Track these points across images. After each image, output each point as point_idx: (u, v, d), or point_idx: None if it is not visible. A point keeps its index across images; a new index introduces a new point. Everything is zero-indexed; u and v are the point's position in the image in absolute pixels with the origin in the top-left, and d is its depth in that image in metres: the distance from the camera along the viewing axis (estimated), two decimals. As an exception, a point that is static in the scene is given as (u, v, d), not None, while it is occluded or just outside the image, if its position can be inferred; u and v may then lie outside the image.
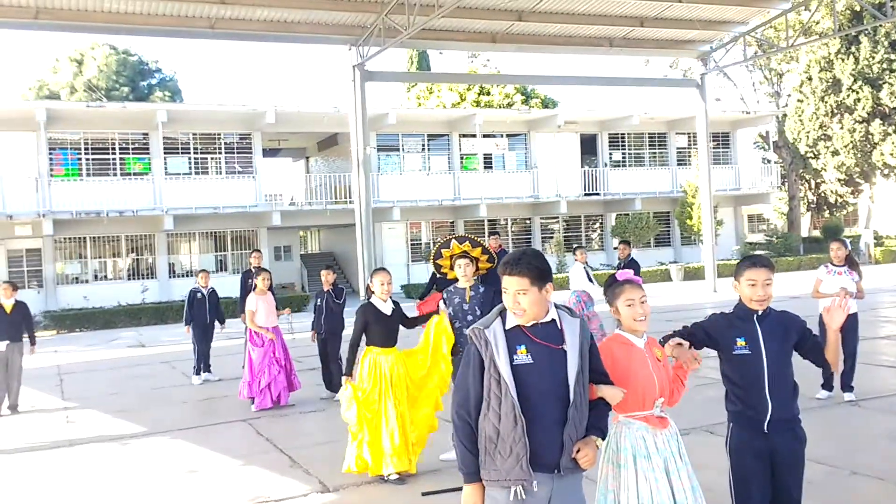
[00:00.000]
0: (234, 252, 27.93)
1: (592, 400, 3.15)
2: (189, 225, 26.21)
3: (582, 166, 31.89)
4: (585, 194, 30.97)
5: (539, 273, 3.02)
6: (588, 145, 32.52)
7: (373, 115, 27.55)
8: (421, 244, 30.39)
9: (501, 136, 31.21)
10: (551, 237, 31.89)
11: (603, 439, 3.21)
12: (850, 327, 7.99)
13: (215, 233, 27.65)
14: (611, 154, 32.69)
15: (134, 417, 9.29)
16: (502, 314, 3.09)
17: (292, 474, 6.46)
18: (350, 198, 27.09)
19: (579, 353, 3.02)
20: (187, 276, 25.65)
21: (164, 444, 7.97)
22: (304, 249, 39.89)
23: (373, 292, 6.24)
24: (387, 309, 6.24)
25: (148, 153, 26.10)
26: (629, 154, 33.20)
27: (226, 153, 27.56)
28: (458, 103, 38.79)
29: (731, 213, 33.92)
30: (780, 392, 3.62)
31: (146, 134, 26.00)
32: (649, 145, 33.47)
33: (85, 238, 25.64)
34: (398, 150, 29.87)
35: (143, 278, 26.02)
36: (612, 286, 3.68)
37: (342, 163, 29.80)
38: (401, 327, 6.41)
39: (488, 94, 40.30)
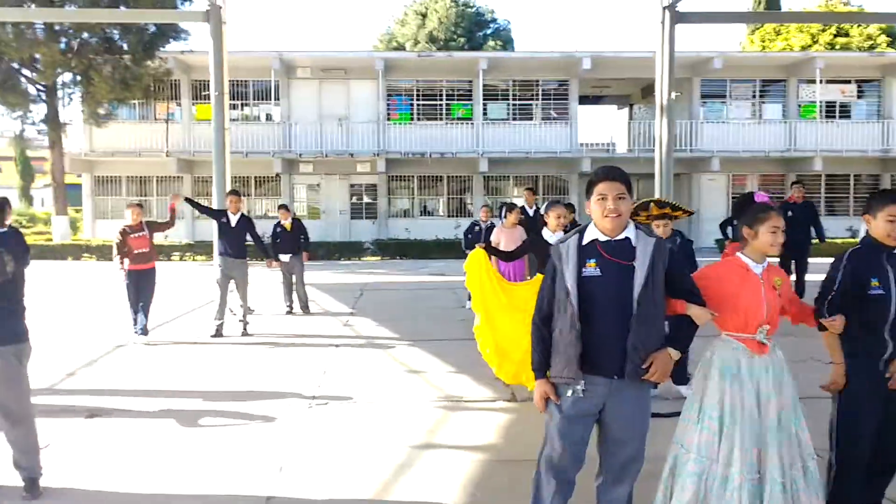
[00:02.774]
0: (545, 196, 28.65)
1: (681, 315, 3.32)
2: (502, 168, 27.44)
3: (951, 117, 27.06)
4: (952, 150, 26.31)
5: (630, 184, 3.27)
6: (962, 92, 27.41)
7: (696, 60, 26.17)
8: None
9: (849, 82, 27.63)
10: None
11: (682, 352, 3.29)
12: None
13: (529, 177, 28.59)
14: None
15: (396, 327, 10.24)
16: (581, 232, 3.29)
17: (491, 385, 6.73)
18: (677, 146, 26.17)
19: (648, 269, 3.14)
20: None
21: (405, 349, 8.75)
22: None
23: (545, 224, 6.27)
24: (552, 239, 6.26)
25: (471, 100, 27.69)
26: None
27: (542, 100, 28.16)
28: (809, 46, 35.07)
29: None
30: None
31: (470, 81, 27.55)
32: None
33: (413, 177, 28.18)
34: (724, 96, 27.97)
35: (458, 216, 27.95)
36: (752, 207, 3.57)
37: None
38: None
39: (847, 35, 35.84)
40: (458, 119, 27.72)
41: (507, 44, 39.77)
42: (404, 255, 24.24)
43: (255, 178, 27.69)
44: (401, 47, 36.92)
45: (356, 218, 27.86)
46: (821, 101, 26.88)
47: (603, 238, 3.21)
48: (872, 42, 34.87)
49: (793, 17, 29.73)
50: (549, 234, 6.35)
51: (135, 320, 8.92)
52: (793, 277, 12.18)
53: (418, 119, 27.70)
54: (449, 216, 28.20)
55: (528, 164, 27.43)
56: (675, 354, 3.25)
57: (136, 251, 8.77)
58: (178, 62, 25.26)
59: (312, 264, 21.68)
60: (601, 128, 34.55)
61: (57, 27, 21.74)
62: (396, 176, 27.99)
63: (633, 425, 3.24)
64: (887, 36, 35.57)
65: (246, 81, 27.04)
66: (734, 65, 26.59)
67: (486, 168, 26.45)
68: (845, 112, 27.73)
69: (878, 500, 3.82)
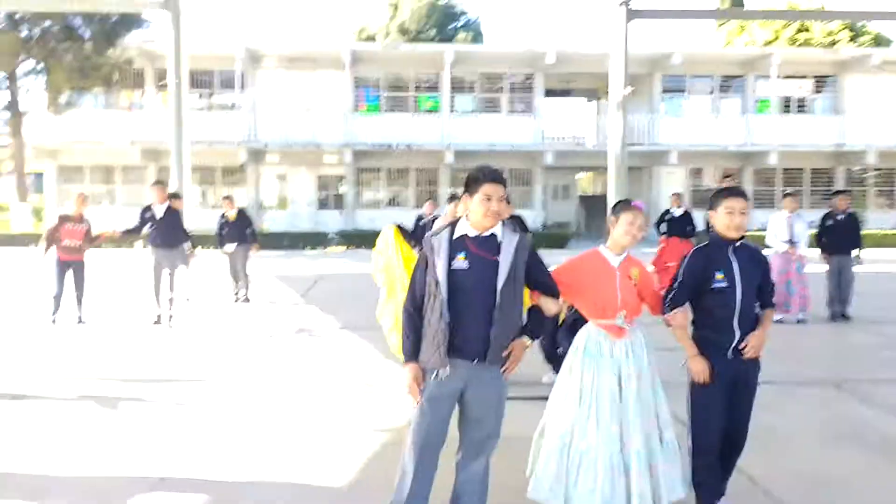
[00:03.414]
0: (511, 188, 28.94)
1: (535, 305, 3.66)
2: (468, 160, 27.65)
3: (905, 112, 27.71)
4: (903, 144, 26.97)
5: (506, 186, 3.56)
6: (916, 88, 28.07)
7: (656, 56, 26.61)
8: (702, 191, 28.85)
9: (806, 77, 28.20)
10: (862, 190, 28.35)
11: (533, 340, 3.63)
12: None
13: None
14: (944, 99, 27.91)
15: (338, 316, 10.53)
16: (452, 225, 3.55)
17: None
18: (637, 140, 26.61)
19: (511, 265, 3.45)
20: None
21: (340, 336, 9.09)
22: (592, 191, 40.03)
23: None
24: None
25: (438, 92, 27.92)
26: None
27: (509, 93, 28.47)
28: (772, 41, 35.68)
29: None
30: (747, 321, 3.82)
31: (437, 73, 27.76)
32: None
33: (380, 168, 28.40)
34: (684, 91, 28.44)
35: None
36: (620, 204, 3.99)
37: (630, 104, 29.10)
38: None
39: (807, 30, 36.48)
40: (426, 111, 27.97)
41: (478, 37, 40.04)
42: (369, 245, 24.43)
43: (222, 168, 27.79)
44: (372, 38, 37.08)
45: (324, 208, 28.05)
46: (778, 97, 27.43)
47: (473, 233, 3.48)
48: (833, 38, 35.54)
49: (746, 15, 30.33)
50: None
51: (55, 308, 9.16)
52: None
53: (386, 110, 27.91)
54: (416, 207, 28.42)
55: (493, 156, 27.68)
56: (528, 343, 3.60)
57: (65, 241, 8.96)
58: (143, 51, 25.29)
59: (276, 254, 21.94)
60: (573, 121, 34.70)
61: (17, 16, 21.71)
62: (364, 167, 28.20)
63: (491, 405, 3.55)
64: (851, 30, 36.25)
65: (211, 71, 27.12)
66: (693, 60, 27.06)
67: (453, 160, 26.74)
68: (802, 107, 28.32)
69: (726, 478, 4.06)
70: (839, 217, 10.24)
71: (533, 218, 27.92)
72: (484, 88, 28.44)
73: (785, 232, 9.94)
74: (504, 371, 3.53)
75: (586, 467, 3.69)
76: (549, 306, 3.66)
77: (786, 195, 10.44)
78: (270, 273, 16.21)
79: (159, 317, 9.69)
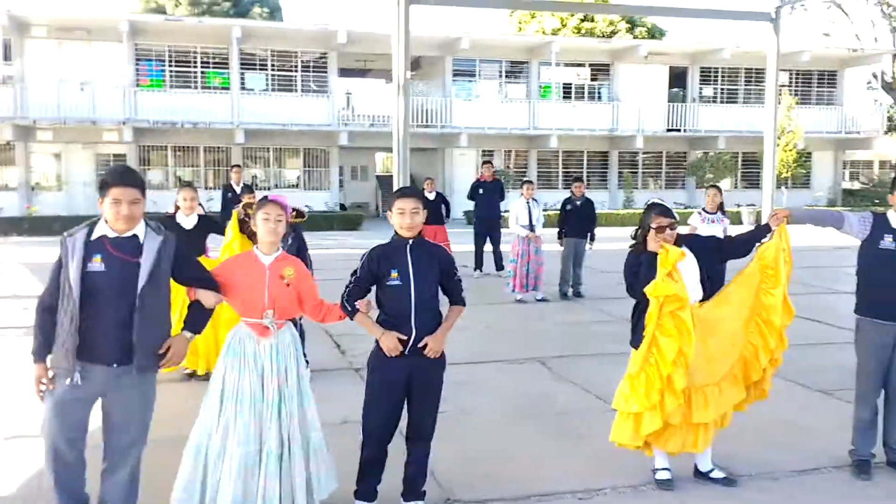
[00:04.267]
0: (307, 169, 28.76)
1: (196, 301, 3.72)
2: (261, 140, 27.15)
3: (670, 101, 30.39)
4: (667, 130, 29.59)
5: (145, 188, 3.51)
6: (679, 79, 30.85)
7: (446, 40, 27.31)
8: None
9: (584, 66, 30.11)
10: (633, 172, 30.81)
11: (195, 334, 3.69)
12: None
13: (289, 149, 28.52)
14: (701, 89, 30.89)
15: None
16: (91, 226, 3.43)
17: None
18: (431, 122, 27.24)
19: (153, 265, 3.40)
20: (258, 188, 26.69)
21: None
22: (388, 171, 40.57)
23: (178, 207, 6.46)
24: (185, 223, 6.46)
25: (227, 68, 27.00)
26: (721, 90, 31.23)
27: (302, 71, 28.12)
28: (558, 30, 37.60)
29: (832, 157, 31.50)
30: (425, 319, 3.90)
31: (226, 49, 26.83)
32: (746, 81, 31.24)
33: (167, 147, 27.15)
34: (474, 75, 29.45)
35: (217, 189, 27.35)
36: (259, 202, 4.04)
37: (424, 87, 29.81)
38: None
39: (592, 20, 38.75)
40: (215, 87, 27.01)
41: (275, 12, 39.17)
42: (151, 228, 23.37)
43: (-15, 145, 25.42)
44: (161, 9, 35.20)
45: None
46: (558, 83, 29.11)
47: (112, 234, 3.37)
48: (614, 28, 38.05)
49: (523, 5, 31.53)
50: (182, 218, 6.46)
51: None
52: (489, 248, 13.25)
53: (171, 86, 26.66)
54: (206, 188, 27.50)
55: (286, 136, 27.34)
56: (189, 337, 3.64)
57: None
58: None
59: (44, 239, 20.40)
60: (371, 101, 34.81)
61: None
62: (149, 146, 26.84)
63: (134, 411, 3.49)
64: (627, 22, 38.92)
65: (-31, 39, 24.62)
66: (481, 45, 27.99)
67: (244, 139, 26.06)
68: (581, 94, 30.23)
69: (415, 473, 4.12)
70: (577, 203, 11.12)
71: (329, 198, 27.93)
72: (277, 66, 27.90)
73: (525, 217, 10.66)
74: (162, 365, 3.51)
75: (220, 468, 3.68)
76: (208, 299, 3.70)
77: (523, 182, 11.20)
78: (26, 261, 15.15)
79: None
